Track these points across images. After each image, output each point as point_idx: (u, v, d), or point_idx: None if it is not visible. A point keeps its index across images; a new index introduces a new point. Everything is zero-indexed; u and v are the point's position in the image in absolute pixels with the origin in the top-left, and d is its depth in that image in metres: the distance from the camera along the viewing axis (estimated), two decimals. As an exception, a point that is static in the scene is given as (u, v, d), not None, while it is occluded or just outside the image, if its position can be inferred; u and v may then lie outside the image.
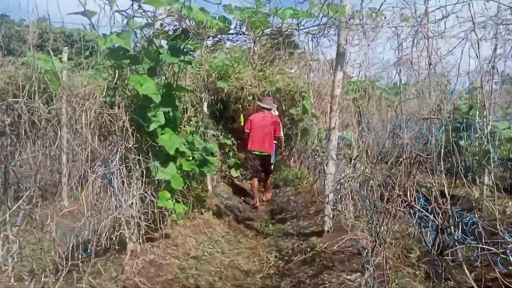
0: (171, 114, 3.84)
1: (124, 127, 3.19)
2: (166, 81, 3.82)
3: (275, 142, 7.39)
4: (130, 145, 3.30)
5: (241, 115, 11.67)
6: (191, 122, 5.77)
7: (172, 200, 3.91)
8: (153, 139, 3.48)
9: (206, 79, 6.32)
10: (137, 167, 3.35)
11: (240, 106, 9.82)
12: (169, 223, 4.41)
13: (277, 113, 7.74)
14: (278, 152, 9.11)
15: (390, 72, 6.60)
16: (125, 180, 3.25)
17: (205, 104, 6.86)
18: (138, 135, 3.63)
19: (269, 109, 7.29)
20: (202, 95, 6.80)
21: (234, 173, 9.14)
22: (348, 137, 4.54)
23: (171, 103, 3.65)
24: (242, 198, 7.33)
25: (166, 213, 4.03)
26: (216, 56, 5.66)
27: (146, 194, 3.55)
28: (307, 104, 5.06)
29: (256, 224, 5.84)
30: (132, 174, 3.31)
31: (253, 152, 7.14)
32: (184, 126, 5.58)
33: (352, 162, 4.01)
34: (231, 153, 9.54)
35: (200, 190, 5.50)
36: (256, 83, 7.66)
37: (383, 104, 10.56)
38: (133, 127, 3.55)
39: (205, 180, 6.81)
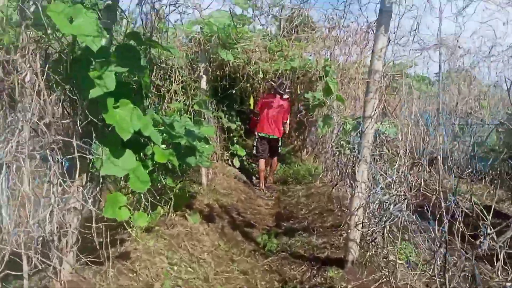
0: (135, 79, 2.59)
1: (36, 88, 1.94)
2: (128, 29, 2.56)
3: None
4: (48, 120, 2.05)
5: (251, 97, 10.41)
6: (179, 98, 4.51)
7: (131, 208, 2.68)
8: (95, 115, 2.23)
9: (204, 45, 5.02)
10: (58, 157, 2.10)
11: (249, 85, 8.55)
12: (136, 234, 3.21)
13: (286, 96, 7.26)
14: (284, 139, 8.15)
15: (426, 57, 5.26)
16: (32, 179, 2.01)
17: (204, 78, 5.59)
18: (83, 109, 2.40)
19: (282, 94, 7.09)
20: (201, 66, 5.53)
21: (237, 162, 7.90)
22: (389, 132, 3.24)
23: (134, 62, 2.39)
24: (244, 194, 6.09)
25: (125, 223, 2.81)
26: (213, 15, 4.35)
27: (81, 199, 2.32)
28: (331, 82, 3.77)
29: (256, 233, 4.60)
30: (53, 168, 2.07)
31: (261, 135, 7.15)
32: (168, 102, 4.33)
33: (397, 168, 2.71)
34: (235, 139, 8.30)
35: (182, 189, 4.26)
36: (268, 57, 6.32)
37: (414, 95, 9.17)
38: (74, 94, 2.31)
39: (200, 171, 5.61)
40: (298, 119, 9.78)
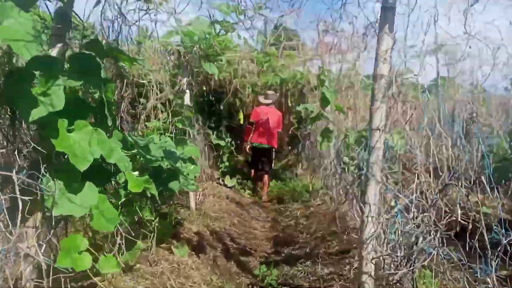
0: (98, 95, 2.14)
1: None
2: (84, 34, 2.13)
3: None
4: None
5: (240, 112, 10.00)
6: (158, 116, 4.04)
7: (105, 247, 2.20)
8: (45, 140, 1.77)
9: (185, 57, 4.58)
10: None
11: (237, 100, 8.14)
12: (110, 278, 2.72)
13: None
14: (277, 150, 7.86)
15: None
16: None
17: (187, 93, 5.15)
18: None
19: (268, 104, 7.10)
20: (184, 80, 5.10)
21: (228, 181, 7.43)
22: (397, 146, 2.81)
23: (91, 75, 1.94)
24: (237, 217, 5.60)
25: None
26: (192, 23, 3.93)
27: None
28: (327, 92, 3.35)
29: (253, 263, 4.11)
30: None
31: (254, 145, 7.12)
32: (145, 121, 3.87)
33: (418, 190, 2.27)
34: (225, 157, 7.85)
35: (167, 217, 3.78)
36: (255, 69, 5.93)
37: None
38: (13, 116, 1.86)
39: (188, 194, 5.12)
40: (290, 132, 9.41)
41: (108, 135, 2.08)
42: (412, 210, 2.30)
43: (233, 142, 8.30)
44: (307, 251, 4.07)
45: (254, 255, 4.35)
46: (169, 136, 4.14)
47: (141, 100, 4.07)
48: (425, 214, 2.10)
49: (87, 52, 2.04)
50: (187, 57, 4.87)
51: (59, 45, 2.07)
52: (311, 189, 6.62)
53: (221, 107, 7.89)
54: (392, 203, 2.73)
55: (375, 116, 2.59)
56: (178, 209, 4.94)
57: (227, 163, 7.74)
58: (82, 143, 1.88)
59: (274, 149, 7.40)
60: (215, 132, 7.63)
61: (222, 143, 7.64)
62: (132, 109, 3.80)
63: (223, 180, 7.32)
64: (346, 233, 3.98)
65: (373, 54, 3.51)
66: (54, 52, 2.06)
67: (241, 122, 9.95)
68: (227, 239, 4.60)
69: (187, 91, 5.18)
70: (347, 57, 4.32)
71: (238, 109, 9.77)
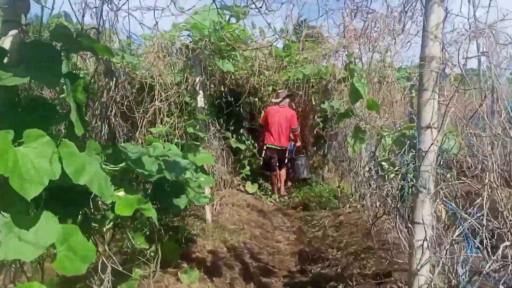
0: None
1: None
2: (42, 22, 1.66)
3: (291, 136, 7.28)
4: None
5: (262, 112, 9.50)
6: (165, 120, 3.57)
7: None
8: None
9: (198, 54, 4.09)
10: None
11: (257, 99, 7.62)
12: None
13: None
14: (296, 146, 7.66)
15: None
16: None
17: (201, 93, 4.67)
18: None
19: (278, 103, 6.94)
20: (196, 80, 4.62)
21: (250, 188, 6.91)
22: (449, 147, 2.21)
23: (49, 67, 1.47)
24: (258, 228, 5.07)
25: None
26: (198, 12, 3.43)
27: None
28: (359, 84, 2.77)
29: (276, 285, 3.58)
30: None
31: (270, 146, 7.07)
32: (146, 127, 3.39)
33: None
34: (246, 161, 7.34)
35: (175, 234, 3.30)
36: (275, 65, 5.38)
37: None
38: None
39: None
40: (315, 132, 8.81)
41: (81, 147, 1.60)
42: (482, 235, 1.72)
43: (255, 145, 7.83)
44: (338, 270, 3.49)
45: (277, 275, 3.81)
46: (177, 143, 3.69)
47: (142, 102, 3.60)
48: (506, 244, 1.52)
49: (46, 41, 1.56)
50: (197, 53, 4.39)
51: (13, 32, 1.62)
52: (339, 194, 6.03)
53: (240, 108, 7.38)
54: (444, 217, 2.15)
55: (425, 111, 2.02)
56: (191, 222, 4.47)
57: (248, 168, 7.22)
58: (36, 160, 1.40)
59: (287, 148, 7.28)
60: (234, 135, 7.14)
61: (242, 146, 7.12)
62: (132, 113, 3.34)
63: (243, 186, 6.82)
64: (384, 250, 3.39)
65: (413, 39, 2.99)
66: (7, 42, 1.61)
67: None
68: (247, 255, 4.08)
69: (201, 91, 4.71)
70: (379, 44, 3.72)
71: (260, 109, 9.29)
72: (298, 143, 7.69)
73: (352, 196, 5.16)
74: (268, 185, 7.52)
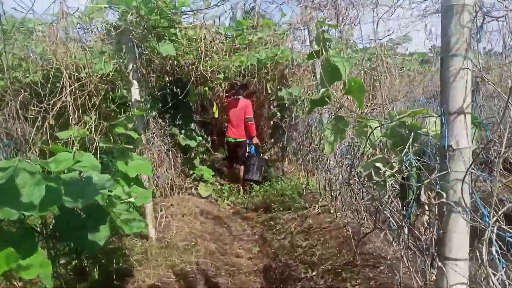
0: None
1: None
2: None
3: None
4: None
5: (214, 104, 8.70)
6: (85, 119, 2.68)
7: None
8: None
9: (128, 33, 3.21)
10: None
11: (207, 89, 6.79)
12: None
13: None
14: (253, 142, 7.12)
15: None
16: None
17: (135, 84, 3.79)
18: None
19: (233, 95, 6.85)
20: (129, 67, 3.73)
21: (203, 190, 6.08)
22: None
23: None
24: (215, 242, 4.29)
25: None
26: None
27: None
28: (336, 59, 2.07)
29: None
30: None
31: (227, 139, 7.03)
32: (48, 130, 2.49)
33: None
34: (197, 160, 6.50)
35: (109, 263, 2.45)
36: (223, 49, 4.56)
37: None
38: None
39: (145, 217, 3.78)
40: (272, 123, 8.14)
41: None
42: None
43: (209, 139, 7.04)
44: (317, 297, 2.81)
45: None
46: (107, 147, 2.84)
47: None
48: None
49: None
50: (126, 33, 3.50)
51: None
52: (304, 192, 5.38)
53: (188, 100, 6.51)
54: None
55: (454, 88, 1.33)
56: (130, 243, 3.62)
57: (200, 168, 6.39)
58: None
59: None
60: (183, 131, 6.27)
61: (192, 143, 6.27)
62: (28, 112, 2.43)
63: (196, 189, 5.99)
64: (370, 267, 2.75)
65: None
66: None
67: (216, 115, 8.63)
68: (201, 281, 3.30)
69: (135, 81, 3.83)
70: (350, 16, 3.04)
71: (211, 100, 8.44)
72: (255, 140, 7.04)
73: (321, 195, 4.51)
74: (226, 184, 6.82)
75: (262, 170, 7.01)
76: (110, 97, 3.82)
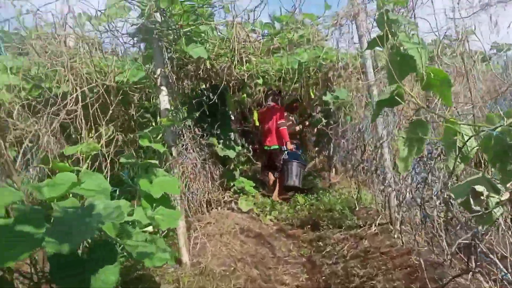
0: None
1: None
2: None
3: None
4: None
5: (254, 111, 8.24)
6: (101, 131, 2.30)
7: None
8: None
9: (156, 35, 2.83)
10: None
11: (245, 96, 6.34)
12: None
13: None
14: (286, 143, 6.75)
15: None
16: None
17: (164, 90, 3.41)
18: None
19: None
20: (158, 73, 3.36)
21: (244, 204, 5.61)
22: None
23: None
24: (256, 267, 3.79)
25: None
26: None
27: None
28: (409, 46, 1.55)
29: None
30: None
31: (264, 148, 6.93)
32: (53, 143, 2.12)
33: None
34: (237, 172, 6.06)
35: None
36: (259, 48, 4.10)
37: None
38: None
39: (177, 239, 3.37)
40: (316, 130, 7.57)
41: None
42: None
43: (250, 148, 6.57)
44: None
45: None
46: (125, 163, 2.45)
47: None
48: None
49: None
50: (154, 33, 3.13)
51: None
52: (356, 205, 4.78)
53: (226, 108, 6.12)
54: None
55: None
56: (161, 269, 3.20)
57: (240, 179, 5.94)
58: None
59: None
60: (221, 141, 5.87)
61: (231, 153, 5.85)
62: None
63: (236, 203, 5.54)
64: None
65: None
66: None
67: (257, 123, 8.17)
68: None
69: (163, 88, 3.45)
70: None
71: (251, 107, 8.00)
72: (289, 145, 6.67)
73: (378, 212, 3.90)
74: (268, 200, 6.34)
75: (301, 175, 6.55)
76: (133, 105, 3.46)
